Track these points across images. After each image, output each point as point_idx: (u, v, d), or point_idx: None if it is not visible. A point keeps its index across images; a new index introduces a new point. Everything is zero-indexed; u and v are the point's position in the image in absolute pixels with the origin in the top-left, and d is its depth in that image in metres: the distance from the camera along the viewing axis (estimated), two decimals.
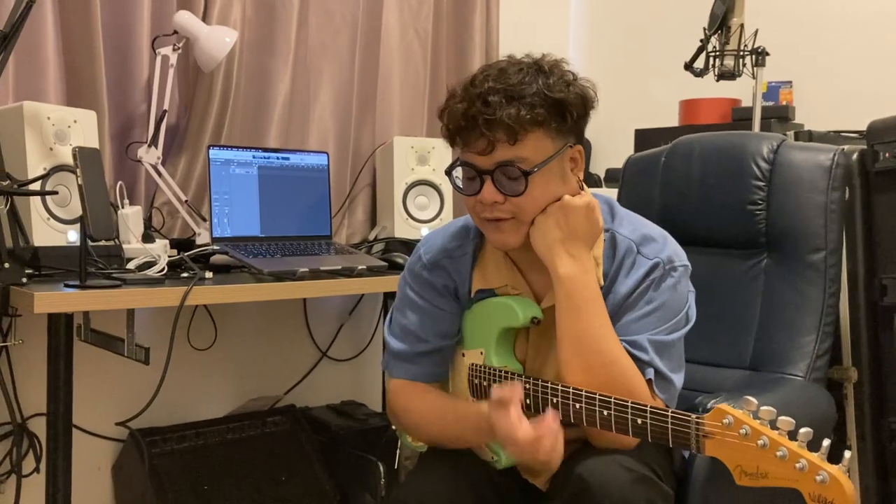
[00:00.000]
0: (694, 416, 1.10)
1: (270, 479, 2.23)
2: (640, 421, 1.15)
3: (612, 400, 1.18)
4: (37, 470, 2.01)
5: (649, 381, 1.26)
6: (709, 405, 1.33)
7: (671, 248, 1.34)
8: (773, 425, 1.03)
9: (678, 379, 1.31)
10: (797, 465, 1.00)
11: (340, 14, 2.63)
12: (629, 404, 1.16)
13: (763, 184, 1.70)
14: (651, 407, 1.14)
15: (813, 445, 1.01)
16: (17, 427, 1.90)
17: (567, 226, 1.27)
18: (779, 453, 1.01)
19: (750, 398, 1.05)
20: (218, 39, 2.15)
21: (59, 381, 1.54)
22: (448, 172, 1.32)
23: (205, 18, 2.27)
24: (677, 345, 1.32)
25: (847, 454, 1.00)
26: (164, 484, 2.08)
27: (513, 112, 1.20)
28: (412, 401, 1.41)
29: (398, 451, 1.90)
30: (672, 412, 1.12)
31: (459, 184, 1.30)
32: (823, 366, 1.62)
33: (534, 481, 1.38)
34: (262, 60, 2.45)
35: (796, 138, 2.22)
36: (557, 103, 1.23)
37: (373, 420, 2.43)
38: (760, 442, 1.03)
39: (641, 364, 1.26)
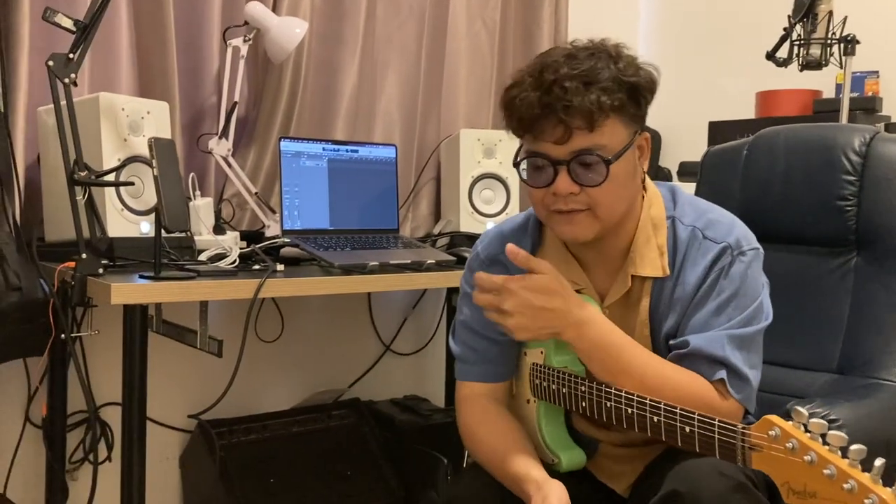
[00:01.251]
0: (740, 426, 1.01)
1: (336, 473, 2.22)
2: (687, 429, 1.07)
3: (662, 406, 1.11)
4: (108, 458, 2.04)
5: (721, 381, 1.20)
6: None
7: (739, 231, 1.27)
8: (824, 440, 0.94)
9: (755, 376, 1.23)
10: (845, 485, 0.90)
11: (408, 5, 2.60)
12: (677, 410, 1.09)
13: (854, 178, 1.62)
14: (698, 414, 1.07)
15: (868, 464, 0.91)
16: (92, 416, 1.92)
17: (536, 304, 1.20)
18: (826, 471, 0.91)
19: (800, 409, 0.96)
20: (289, 30, 2.14)
21: (134, 373, 1.54)
22: (516, 164, 1.26)
23: (275, 9, 2.27)
24: (756, 339, 1.24)
25: None
26: (232, 476, 2.08)
27: (593, 97, 1.15)
28: (473, 422, 1.35)
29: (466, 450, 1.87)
30: (720, 421, 1.04)
31: (526, 176, 1.25)
32: None
33: (613, 486, 1.33)
34: (330, 52, 2.44)
35: (887, 131, 2.12)
36: (633, 87, 1.19)
37: (437, 416, 2.40)
38: (808, 458, 0.93)
39: (714, 363, 1.20)
